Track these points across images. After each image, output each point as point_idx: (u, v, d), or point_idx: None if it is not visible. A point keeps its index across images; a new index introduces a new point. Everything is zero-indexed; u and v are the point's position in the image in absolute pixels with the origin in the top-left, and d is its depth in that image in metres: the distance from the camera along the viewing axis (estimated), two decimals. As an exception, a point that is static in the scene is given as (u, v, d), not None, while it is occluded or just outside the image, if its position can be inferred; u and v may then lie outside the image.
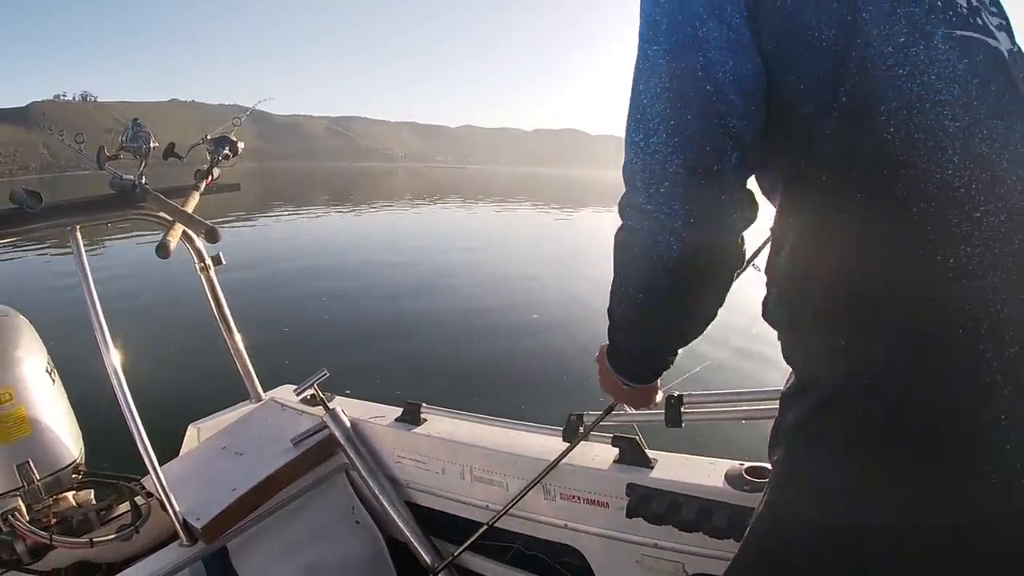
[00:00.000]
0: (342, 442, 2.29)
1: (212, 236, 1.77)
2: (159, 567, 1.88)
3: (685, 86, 0.84)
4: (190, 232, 2.15)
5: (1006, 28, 0.88)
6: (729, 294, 1.00)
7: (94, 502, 2.17)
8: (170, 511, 1.91)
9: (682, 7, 0.84)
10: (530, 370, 6.60)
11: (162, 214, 1.97)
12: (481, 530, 2.03)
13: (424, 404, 2.35)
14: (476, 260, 14.22)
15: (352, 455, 2.28)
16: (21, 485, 1.93)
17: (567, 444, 1.90)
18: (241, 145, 2.19)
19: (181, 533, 1.93)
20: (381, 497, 2.26)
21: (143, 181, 1.90)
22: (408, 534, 2.22)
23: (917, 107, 0.78)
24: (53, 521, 2.03)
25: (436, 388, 5.87)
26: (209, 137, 2.18)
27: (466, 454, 2.15)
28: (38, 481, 1.97)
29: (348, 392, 2.56)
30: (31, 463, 1.96)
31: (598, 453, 1.94)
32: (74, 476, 2.11)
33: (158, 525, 2.09)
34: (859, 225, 0.82)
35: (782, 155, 0.90)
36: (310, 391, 2.32)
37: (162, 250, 1.70)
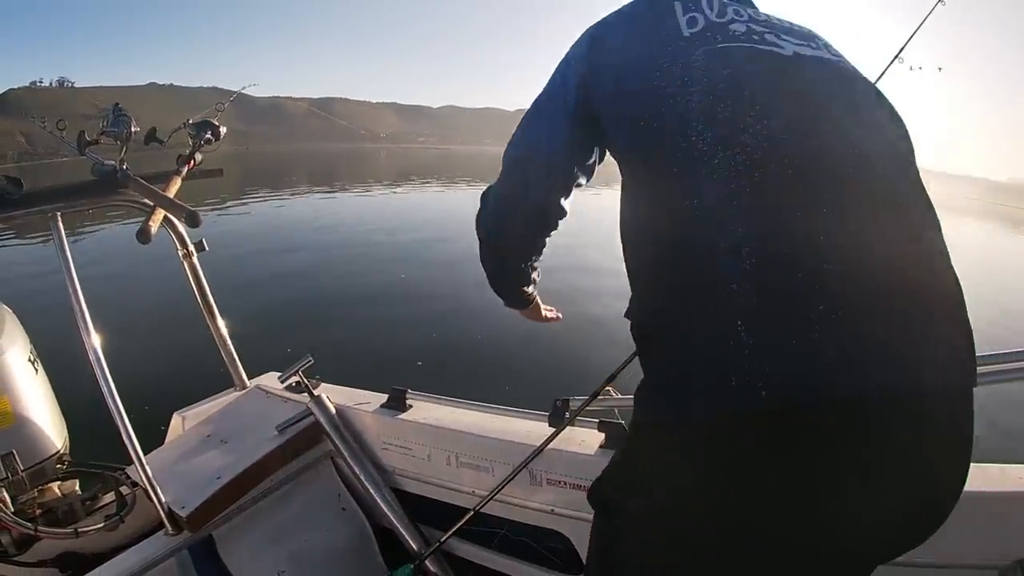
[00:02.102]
0: (327, 429, 2.28)
1: (193, 220, 1.75)
2: (145, 557, 1.87)
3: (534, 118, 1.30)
4: (172, 217, 2.13)
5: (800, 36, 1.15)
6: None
7: (79, 492, 2.15)
8: (155, 500, 1.90)
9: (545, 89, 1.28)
10: (516, 353, 6.58)
11: (143, 199, 1.95)
12: (467, 516, 2.03)
13: (410, 390, 2.35)
14: (462, 242, 14.12)
15: (338, 442, 2.28)
16: (5, 476, 1.91)
17: (553, 429, 1.90)
18: (223, 130, 2.16)
19: (166, 522, 1.92)
20: (367, 484, 2.26)
21: (124, 166, 1.87)
22: (394, 521, 2.23)
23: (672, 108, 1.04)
24: (38, 512, 2.01)
25: (422, 374, 5.86)
26: (191, 121, 2.16)
27: (452, 440, 2.15)
28: (22, 472, 1.95)
29: (333, 379, 2.55)
30: (15, 454, 1.94)
31: (584, 438, 1.94)
32: (58, 466, 2.10)
33: (144, 515, 2.08)
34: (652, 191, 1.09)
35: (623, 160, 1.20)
36: (295, 378, 2.31)
37: (143, 235, 1.67)
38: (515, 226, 1.41)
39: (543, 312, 1.80)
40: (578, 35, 1.24)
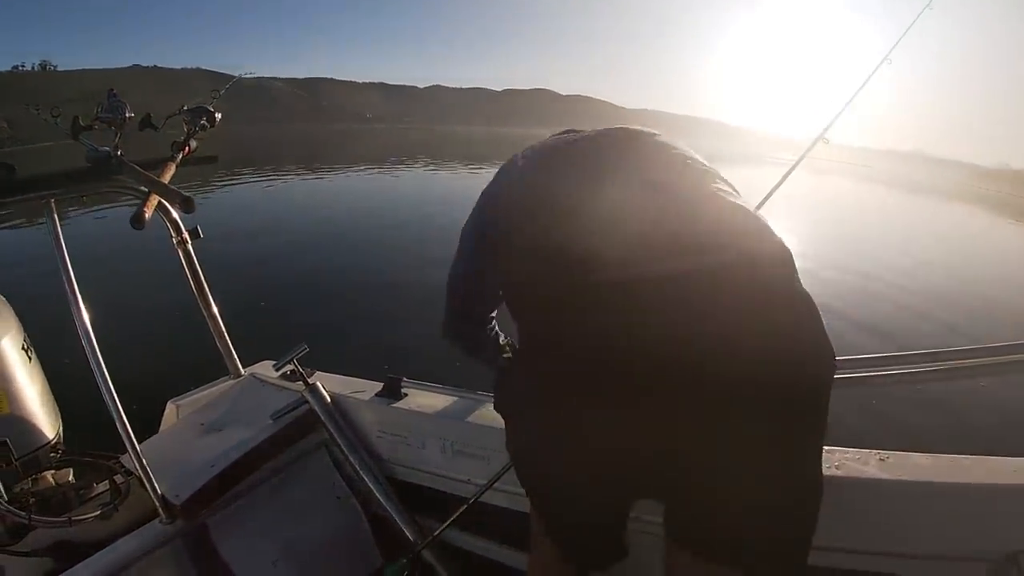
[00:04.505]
0: (322, 417, 2.28)
1: (187, 206, 1.74)
2: (138, 545, 1.87)
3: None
4: (166, 203, 2.11)
5: None
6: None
7: (73, 481, 2.14)
8: (149, 489, 1.89)
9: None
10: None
11: (138, 186, 1.93)
12: (463, 506, 2.03)
13: (405, 378, 2.34)
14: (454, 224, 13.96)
15: (332, 431, 2.28)
16: (-2, 465, 1.90)
17: None
18: (219, 116, 2.15)
19: (160, 511, 1.92)
20: (362, 473, 2.25)
21: (119, 152, 1.86)
22: (390, 510, 2.22)
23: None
24: (32, 501, 1.99)
25: (418, 360, 5.81)
26: (186, 107, 2.14)
27: (447, 428, 2.14)
28: (16, 461, 1.93)
29: (328, 366, 2.54)
30: (8, 442, 1.92)
31: None
32: (52, 455, 2.08)
33: (138, 503, 2.06)
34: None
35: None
36: (290, 366, 2.30)
37: (136, 221, 1.66)
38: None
39: None
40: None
